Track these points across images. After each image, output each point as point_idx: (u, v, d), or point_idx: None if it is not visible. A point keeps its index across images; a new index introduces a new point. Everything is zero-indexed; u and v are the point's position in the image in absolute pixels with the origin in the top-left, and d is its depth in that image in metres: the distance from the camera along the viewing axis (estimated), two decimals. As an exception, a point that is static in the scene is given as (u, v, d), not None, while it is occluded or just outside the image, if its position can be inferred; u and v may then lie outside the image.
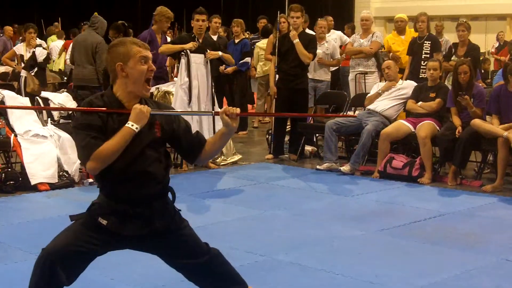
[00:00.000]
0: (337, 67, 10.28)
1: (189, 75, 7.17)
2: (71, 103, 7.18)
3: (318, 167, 7.47)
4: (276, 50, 8.17)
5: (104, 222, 2.85)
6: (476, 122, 6.63)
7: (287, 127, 8.39)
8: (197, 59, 7.23)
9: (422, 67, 8.29)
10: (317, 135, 8.48)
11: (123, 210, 2.86)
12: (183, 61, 7.20)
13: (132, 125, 2.78)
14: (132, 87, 2.84)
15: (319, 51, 8.78)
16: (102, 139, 2.77)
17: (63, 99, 7.21)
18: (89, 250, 2.86)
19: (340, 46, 10.21)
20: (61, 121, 7.04)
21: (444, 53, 8.79)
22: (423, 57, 8.40)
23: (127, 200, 2.87)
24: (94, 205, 2.91)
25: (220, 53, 7.37)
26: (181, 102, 7.17)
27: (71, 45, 9.27)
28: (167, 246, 2.98)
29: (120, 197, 2.87)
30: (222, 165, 7.68)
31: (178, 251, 3.01)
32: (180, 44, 7.25)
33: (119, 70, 2.82)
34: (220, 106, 8.01)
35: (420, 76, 8.21)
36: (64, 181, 6.40)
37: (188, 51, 7.14)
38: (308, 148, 8.35)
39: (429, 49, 8.42)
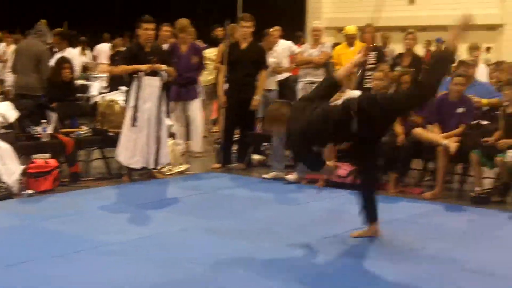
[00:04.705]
0: (287, 76, 10.33)
1: (137, 98, 6.99)
2: (12, 112, 7.04)
3: (264, 176, 7.49)
4: (225, 59, 8.18)
5: None
6: (418, 131, 6.76)
7: (235, 136, 8.39)
8: (152, 82, 7.03)
9: (366, 77, 8.43)
10: (264, 144, 8.51)
11: None
12: (135, 82, 6.99)
13: None
14: None
15: (270, 59, 8.83)
16: None
17: (4, 108, 7.06)
18: None
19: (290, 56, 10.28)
20: (1, 130, 6.89)
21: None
22: (368, 67, 8.53)
23: None
24: None
25: (163, 66, 7.08)
26: (127, 124, 7.05)
27: (10, 52, 9.08)
28: None
29: None
30: (168, 174, 7.63)
31: None
32: (131, 59, 7.04)
33: None
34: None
35: (364, 86, 8.33)
36: (2, 192, 6.28)
37: (141, 73, 6.94)
38: (256, 157, 8.37)
39: (374, 59, 8.57)
